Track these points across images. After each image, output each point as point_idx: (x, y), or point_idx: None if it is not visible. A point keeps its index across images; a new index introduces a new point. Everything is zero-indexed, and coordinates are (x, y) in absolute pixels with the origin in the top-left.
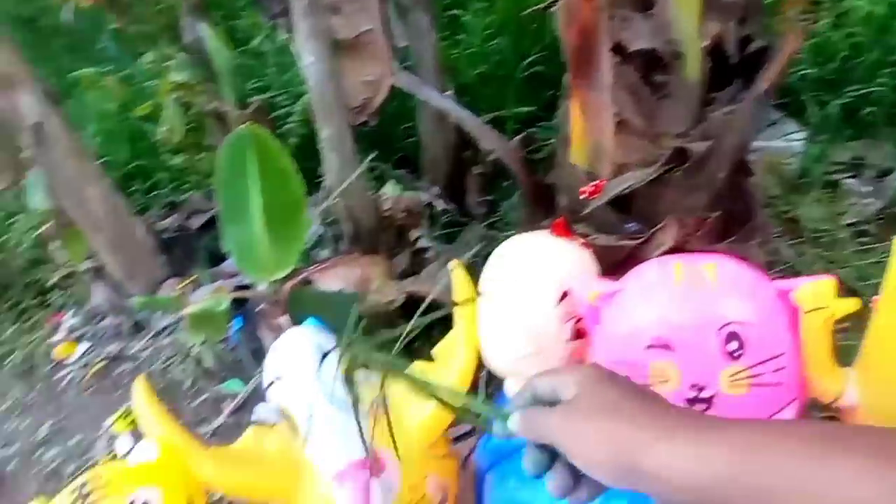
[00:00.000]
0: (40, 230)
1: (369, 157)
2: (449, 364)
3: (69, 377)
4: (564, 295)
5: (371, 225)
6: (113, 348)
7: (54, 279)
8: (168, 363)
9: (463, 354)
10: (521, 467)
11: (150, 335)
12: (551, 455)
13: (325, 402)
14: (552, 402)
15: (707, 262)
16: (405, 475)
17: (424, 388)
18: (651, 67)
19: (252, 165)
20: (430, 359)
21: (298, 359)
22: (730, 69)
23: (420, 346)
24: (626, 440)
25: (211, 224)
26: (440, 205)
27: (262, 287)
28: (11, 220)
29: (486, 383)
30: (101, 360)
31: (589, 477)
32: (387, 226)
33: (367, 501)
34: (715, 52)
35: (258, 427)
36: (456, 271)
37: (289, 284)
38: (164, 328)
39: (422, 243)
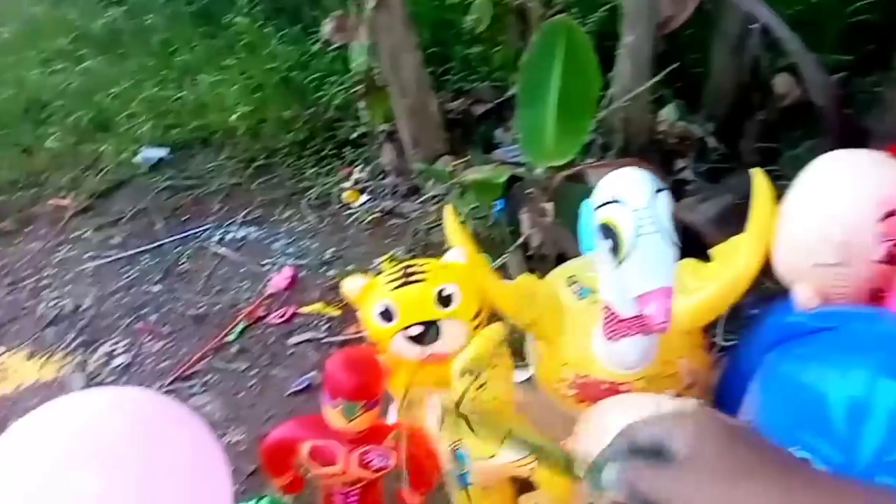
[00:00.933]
0: (350, 92)
1: (657, 76)
2: (729, 262)
3: (352, 218)
4: (888, 215)
5: (642, 142)
6: (388, 204)
7: (353, 135)
8: (433, 226)
9: (750, 253)
10: (808, 349)
11: (422, 199)
12: None
13: (653, 229)
14: (655, 454)
15: None
16: (662, 349)
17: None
18: None
19: (559, 55)
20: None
21: (638, 188)
22: None
23: None
24: None
25: (490, 114)
26: (712, 142)
27: (537, 171)
28: (327, 79)
29: None
30: (378, 211)
31: None
32: (656, 148)
33: (667, 322)
34: None
35: (528, 275)
36: (757, 177)
37: (563, 174)
38: (434, 196)
39: (685, 174)
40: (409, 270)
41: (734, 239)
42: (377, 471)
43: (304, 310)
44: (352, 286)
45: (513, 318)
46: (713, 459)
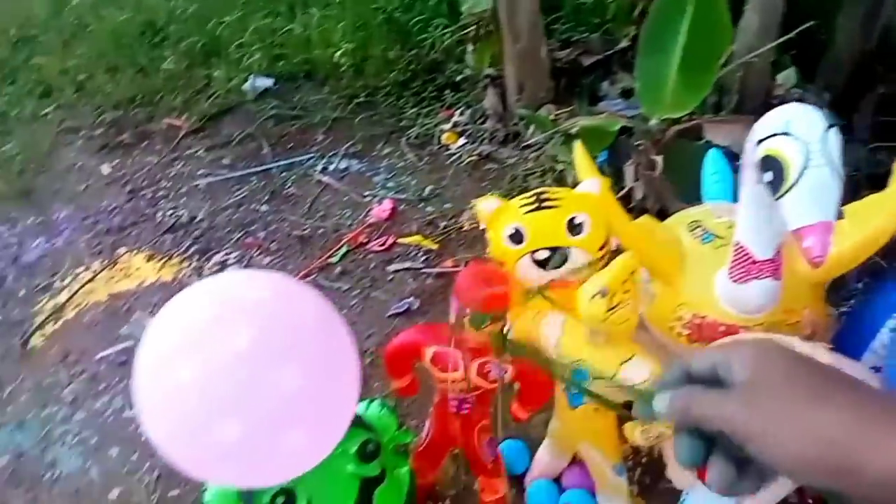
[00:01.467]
0: (455, 35)
1: (783, 38)
2: (862, 221)
3: (451, 160)
4: None
5: (756, 104)
6: (486, 148)
7: (455, 79)
8: (530, 173)
9: (891, 212)
10: None
11: (520, 146)
12: (708, 442)
13: (822, 162)
14: (711, 383)
15: None
16: (787, 297)
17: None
18: None
19: (690, 4)
20: None
21: (809, 121)
22: None
23: None
24: (846, 435)
25: (598, 66)
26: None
27: (651, 122)
28: (430, 22)
29: None
30: (476, 155)
31: (755, 468)
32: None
33: (824, 257)
34: None
35: (649, 216)
36: None
37: (677, 127)
38: (534, 144)
39: None
40: (544, 197)
41: (868, 199)
42: (493, 382)
43: (403, 240)
44: (486, 207)
45: (634, 254)
46: (779, 384)
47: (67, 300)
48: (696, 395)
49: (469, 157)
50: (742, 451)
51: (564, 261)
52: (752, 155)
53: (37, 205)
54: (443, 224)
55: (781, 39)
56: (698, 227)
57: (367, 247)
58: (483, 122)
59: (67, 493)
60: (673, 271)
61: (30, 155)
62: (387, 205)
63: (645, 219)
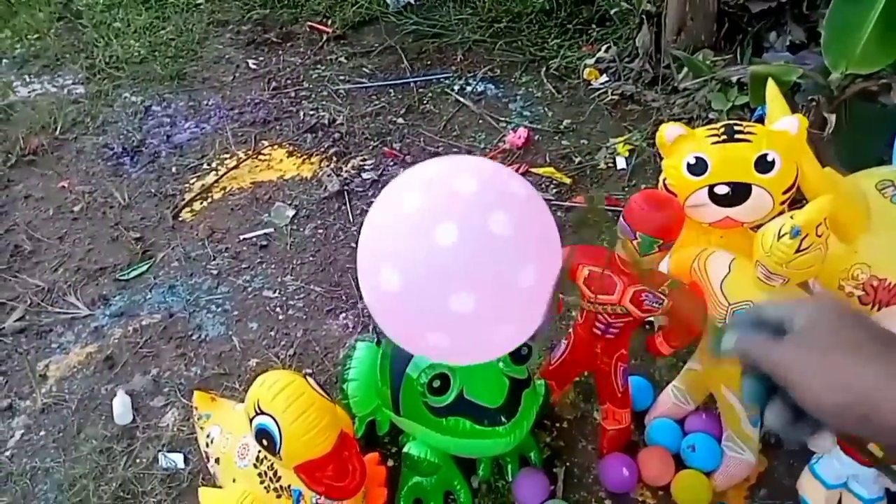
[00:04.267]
0: None
1: None
2: None
3: (591, 95)
4: None
5: None
6: (630, 88)
7: (602, 13)
8: (674, 118)
9: None
10: None
11: (666, 90)
12: (771, 387)
13: None
14: (778, 332)
15: None
16: None
17: None
18: None
19: None
20: None
21: None
22: None
23: None
24: (870, 386)
25: (768, 15)
26: None
27: (833, 76)
28: None
29: None
30: (618, 94)
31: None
32: None
33: None
34: None
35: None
36: None
37: (860, 85)
38: (683, 90)
39: None
40: (736, 129)
41: None
42: (646, 311)
43: (536, 170)
44: (670, 132)
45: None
46: (824, 335)
47: (214, 182)
48: (756, 338)
49: (611, 95)
50: None
51: (745, 199)
52: None
53: (188, 90)
54: (577, 159)
55: None
56: (889, 185)
57: None
58: (630, 61)
59: (212, 355)
60: (855, 227)
61: (183, 42)
62: (521, 133)
63: (829, 170)
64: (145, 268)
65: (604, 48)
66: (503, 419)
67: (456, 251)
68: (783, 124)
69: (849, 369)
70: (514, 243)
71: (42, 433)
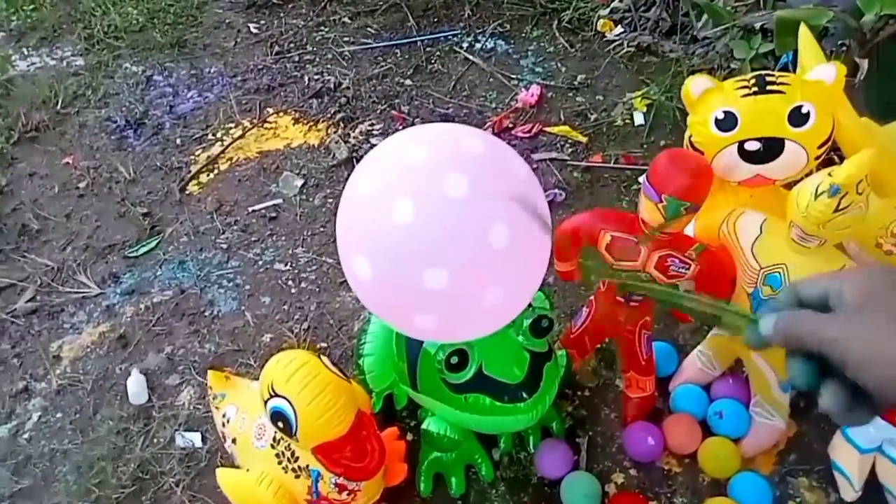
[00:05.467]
0: None
1: None
2: None
3: (606, 49)
4: None
5: None
6: (647, 39)
7: None
8: (695, 70)
9: None
10: None
11: (685, 40)
12: (821, 368)
13: None
14: (820, 309)
15: None
16: None
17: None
18: None
19: None
20: None
21: None
22: None
23: None
24: None
25: None
26: None
27: (866, 18)
28: None
29: None
30: (634, 45)
31: (871, 395)
32: None
33: None
34: None
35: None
36: None
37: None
38: (703, 39)
39: None
40: (768, 79)
41: None
42: (672, 277)
43: (550, 129)
44: (696, 85)
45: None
46: (883, 308)
47: (220, 153)
48: (801, 317)
49: (627, 47)
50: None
51: (778, 155)
52: None
53: (189, 57)
54: (593, 116)
55: None
56: None
57: (512, 132)
58: (646, 10)
59: (225, 331)
60: (894, 181)
61: (182, 7)
62: (534, 90)
63: (866, 120)
64: (154, 244)
65: None
66: (524, 395)
67: (415, 227)
68: (818, 73)
69: None
70: (476, 204)
71: (59, 415)
